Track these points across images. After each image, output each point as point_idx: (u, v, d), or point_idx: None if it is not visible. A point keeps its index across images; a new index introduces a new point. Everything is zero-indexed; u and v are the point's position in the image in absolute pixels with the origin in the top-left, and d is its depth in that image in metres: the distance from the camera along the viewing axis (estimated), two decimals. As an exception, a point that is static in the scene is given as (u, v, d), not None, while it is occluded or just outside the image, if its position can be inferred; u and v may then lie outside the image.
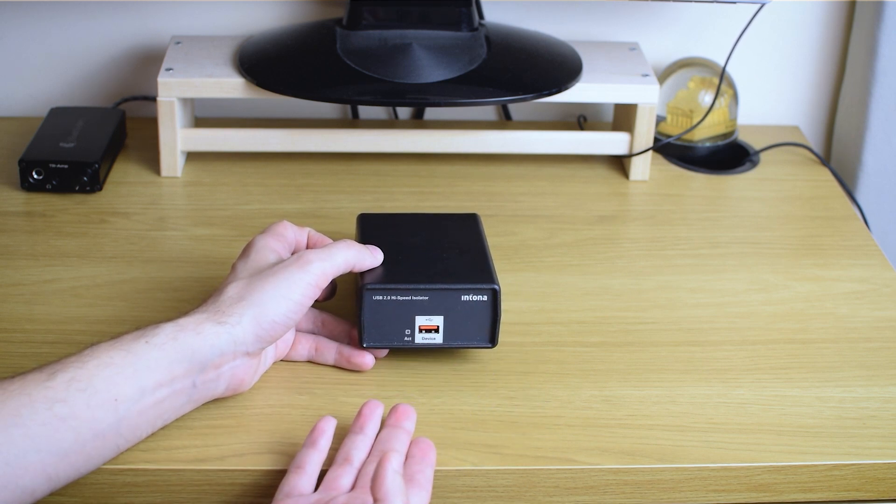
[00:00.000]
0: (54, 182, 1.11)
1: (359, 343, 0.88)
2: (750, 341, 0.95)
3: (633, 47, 1.23)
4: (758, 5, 1.15)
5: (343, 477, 0.77)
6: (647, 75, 1.17)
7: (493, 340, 0.89)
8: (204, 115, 1.27)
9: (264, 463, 0.81)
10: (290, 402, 0.86)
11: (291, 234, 0.90)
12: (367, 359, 0.89)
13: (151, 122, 1.20)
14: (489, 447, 0.83)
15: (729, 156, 1.25)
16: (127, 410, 0.76)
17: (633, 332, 0.96)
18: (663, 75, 1.26)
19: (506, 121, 1.32)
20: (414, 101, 1.17)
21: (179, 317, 0.81)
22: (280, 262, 0.84)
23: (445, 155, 1.21)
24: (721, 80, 1.20)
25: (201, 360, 0.79)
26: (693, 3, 1.21)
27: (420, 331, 0.88)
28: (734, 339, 0.96)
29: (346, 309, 0.93)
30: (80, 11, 1.25)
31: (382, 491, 0.71)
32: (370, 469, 0.78)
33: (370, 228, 0.94)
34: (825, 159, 1.29)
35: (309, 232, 0.92)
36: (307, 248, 0.91)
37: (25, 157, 1.11)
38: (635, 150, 1.18)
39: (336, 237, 0.92)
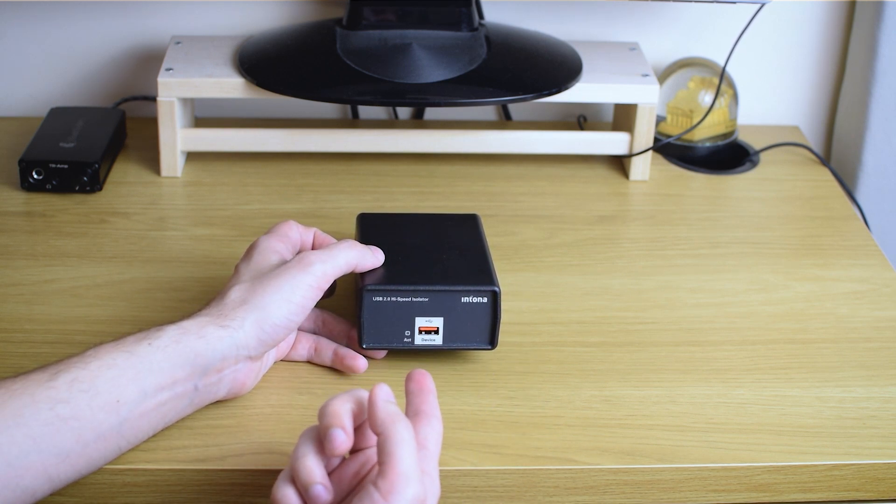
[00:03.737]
0: (54, 182, 1.11)
1: (358, 344, 0.88)
2: (750, 341, 0.95)
3: (633, 47, 1.23)
4: (758, 5, 1.15)
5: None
6: (647, 75, 1.17)
7: (492, 342, 0.89)
8: (204, 115, 1.27)
9: (264, 463, 0.81)
10: (290, 402, 0.86)
11: (296, 234, 0.90)
12: (359, 362, 0.88)
13: (151, 122, 1.20)
14: (489, 447, 0.83)
15: (729, 156, 1.25)
16: (129, 412, 0.76)
17: (633, 332, 0.96)
18: (663, 75, 1.26)
19: (506, 121, 1.32)
20: (414, 101, 1.17)
21: (182, 319, 0.81)
22: (282, 264, 0.84)
23: (445, 155, 1.21)
24: (721, 80, 1.20)
25: (203, 363, 0.79)
26: (693, 3, 1.21)
27: (420, 332, 0.88)
28: (734, 339, 0.96)
29: (346, 309, 0.93)
30: (80, 11, 1.25)
31: (378, 424, 0.69)
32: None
33: (370, 228, 0.94)
34: (825, 159, 1.29)
35: (315, 232, 0.92)
36: (313, 248, 0.91)
37: (25, 157, 1.11)
38: (635, 150, 1.18)
39: (336, 237, 0.92)
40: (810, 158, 1.25)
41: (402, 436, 0.69)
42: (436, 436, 0.73)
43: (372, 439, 0.74)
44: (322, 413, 0.71)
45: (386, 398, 0.71)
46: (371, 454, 0.74)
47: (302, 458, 0.71)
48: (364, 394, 0.73)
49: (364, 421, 0.74)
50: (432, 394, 0.75)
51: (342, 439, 0.70)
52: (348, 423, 0.71)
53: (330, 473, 0.73)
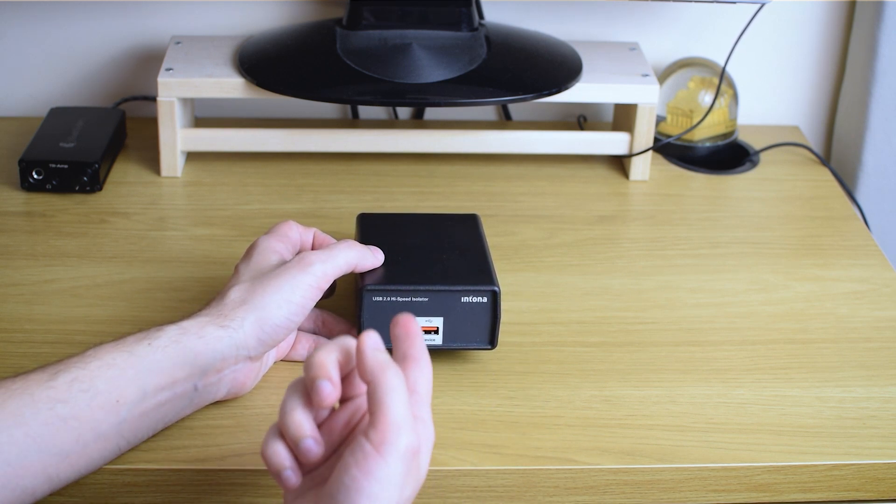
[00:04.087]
0: (54, 182, 1.11)
1: (358, 343, 0.88)
2: (750, 341, 0.95)
3: (633, 47, 1.23)
4: (758, 5, 1.15)
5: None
6: (647, 75, 1.17)
7: (492, 342, 0.89)
8: (204, 115, 1.27)
9: (264, 463, 0.80)
10: (290, 402, 0.86)
11: (296, 234, 0.90)
12: None
13: (151, 122, 1.20)
14: (489, 447, 0.83)
15: (729, 156, 1.25)
16: (128, 412, 0.76)
17: (633, 332, 0.96)
18: (663, 75, 1.26)
19: (506, 121, 1.32)
20: (414, 101, 1.17)
21: (182, 319, 0.81)
22: (282, 264, 0.84)
23: (445, 155, 1.21)
24: (721, 80, 1.20)
25: (203, 363, 0.79)
26: (693, 3, 1.21)
27: (420, 332, 0.88)
28: (734, 339, 0.96)
29: (346, 309, 0.93)
30: (80, 11, 1.25)
31: (367, 373, 0.67)
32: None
33: (370, 228, 0.94)
34: (825, 159, 1.29)
35: (315, 232, 0.92)
36: (312, 248, 0.91)
37: (25, 157, 1.11)
38: (635, 150, 1.18)
39: (336, 237, 0.92)
40: (810, 158, 1.25)
41: (392, 383, 0.67)
42: (426, 379, 0.71)
43: (362, 387, 0.72)
44: (307, 364, 0.69)
45: (374, 346, 0.68)
46: (362, 402, 0.72)
47: (290, 412, 0.69)
48: (351, 342, 0.71)
49: (353, 369, 0.72)
50: (419, 337, 0.72)
51: (329, 391, 0.68)
52: (335, 374, 0.69)
53: (320, 425, 0.71)
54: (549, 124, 1.29)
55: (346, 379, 0.72)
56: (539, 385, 0.89)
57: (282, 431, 0.70)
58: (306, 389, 0.70)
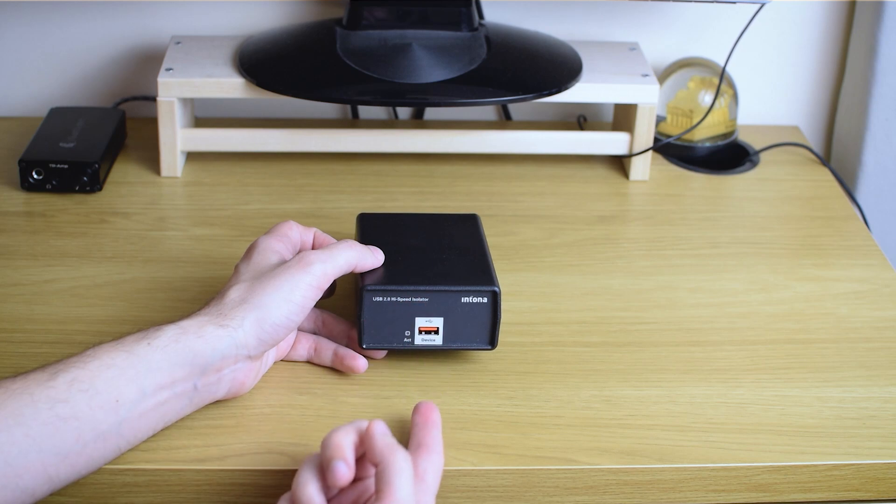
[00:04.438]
0: (54, 182, 1.11)
1: (358, 344, 0.88)
2: (750, 341, 0.95)
3: (633, 47, 1.23)
4: (758, 5, 1.15)
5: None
6: (647, 75, 1.17)
7: (492, 342, 0.89)
8: (204, 115, 1.27)
9: (264, 463, 0.81)
10: (290, 402, 0.86)
11: (296, 234, 0.90)
12: (359, 362, 0.88)
13: (151, 122, 1.20)
14: (489, 447, 0.83)
15: (729, 156, 1.25)
16: (128, 412, 0.76)
17: (633, 332, 0.96)
18: (663, 75, 1.26)
19: (506, 121, 1.32)
20: (414, 101, 1.17)
21: (182, 319, 0.81)
22: (282, 264, 0.84)
23: (445, 155, 1.21)
24: (721, 80, 1.20)
25: (203, 363, 0.79)
26: (693, 3, 1.21)
27: (420, 332, 0.88)
28: (734, 339, 0.96)
29: (346, 309, 0.93)
30: (80, 11, 1.25)
31: (377, 455, 0.72)
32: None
33: (370, 228, 0.94)
34: (825, 159, 1.29)
35: (315, 232, 0.92)
36: (313, 248, 0.91)
37: (25, 157, 1.11)
38: (635, 150, 1.18)
39: (336, 237, 0.92)
40: (810, 158, 1.25)
41: (400, 465, 0.71)
42: (435, 470, 0.75)
43: (371, 469, 0.76)
44: (325, 444, 0.73)
45: (383, 432, 0.73)
46: (369, 484, 0.76)
47: (303, 485, 0.73)
48: (365, 424, 0.75)
49: (364, 452, 0.76)
50: (437, 427, 0.77)
51: (344, 471, 0.72)
52: (350, 456, 0.73)
53: (329, 499, 0.75)
54: (549, 124, 1.29)
55: (358, 461, 0.75)
56: (539, 385, 0.89)
57: (293, 502, 0.73)
58: (321, 466, 0.73)
